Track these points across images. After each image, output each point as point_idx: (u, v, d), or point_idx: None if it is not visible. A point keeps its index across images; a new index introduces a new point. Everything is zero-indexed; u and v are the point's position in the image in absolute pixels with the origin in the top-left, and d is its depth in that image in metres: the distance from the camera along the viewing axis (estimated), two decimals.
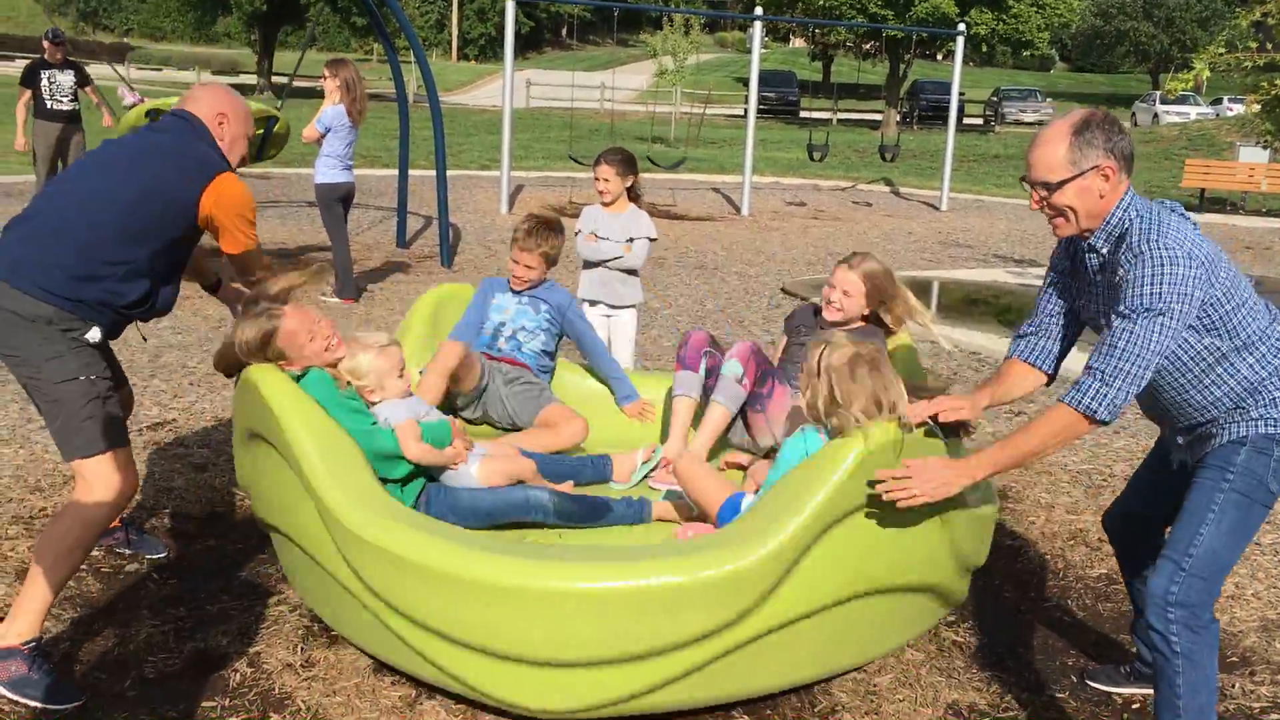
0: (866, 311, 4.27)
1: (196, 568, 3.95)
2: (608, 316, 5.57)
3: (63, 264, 3.14)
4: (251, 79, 43.53)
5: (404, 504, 3.31)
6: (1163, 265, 2.58)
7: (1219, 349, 2.73)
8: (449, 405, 4.37)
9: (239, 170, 3.54)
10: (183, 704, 3.10)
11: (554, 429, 4.39)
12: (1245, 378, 2.75)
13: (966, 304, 10.39)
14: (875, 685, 3.38)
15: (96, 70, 11.39)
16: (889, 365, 3.17)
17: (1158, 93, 40.80)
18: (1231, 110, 35.20)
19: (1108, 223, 2.77)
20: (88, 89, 10.66)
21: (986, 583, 4.15)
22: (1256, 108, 13.53)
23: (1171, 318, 2.60)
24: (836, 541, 2.93)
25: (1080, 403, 2.68)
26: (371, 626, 3.04)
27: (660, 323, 8.53)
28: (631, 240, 5.46)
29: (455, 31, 73.81)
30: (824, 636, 3.05)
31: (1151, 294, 2.59)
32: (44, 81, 10.27)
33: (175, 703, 3.10)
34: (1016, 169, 25.34)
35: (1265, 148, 17.16)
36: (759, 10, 17.27)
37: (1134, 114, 42.56)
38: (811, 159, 20.09)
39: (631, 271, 5.53)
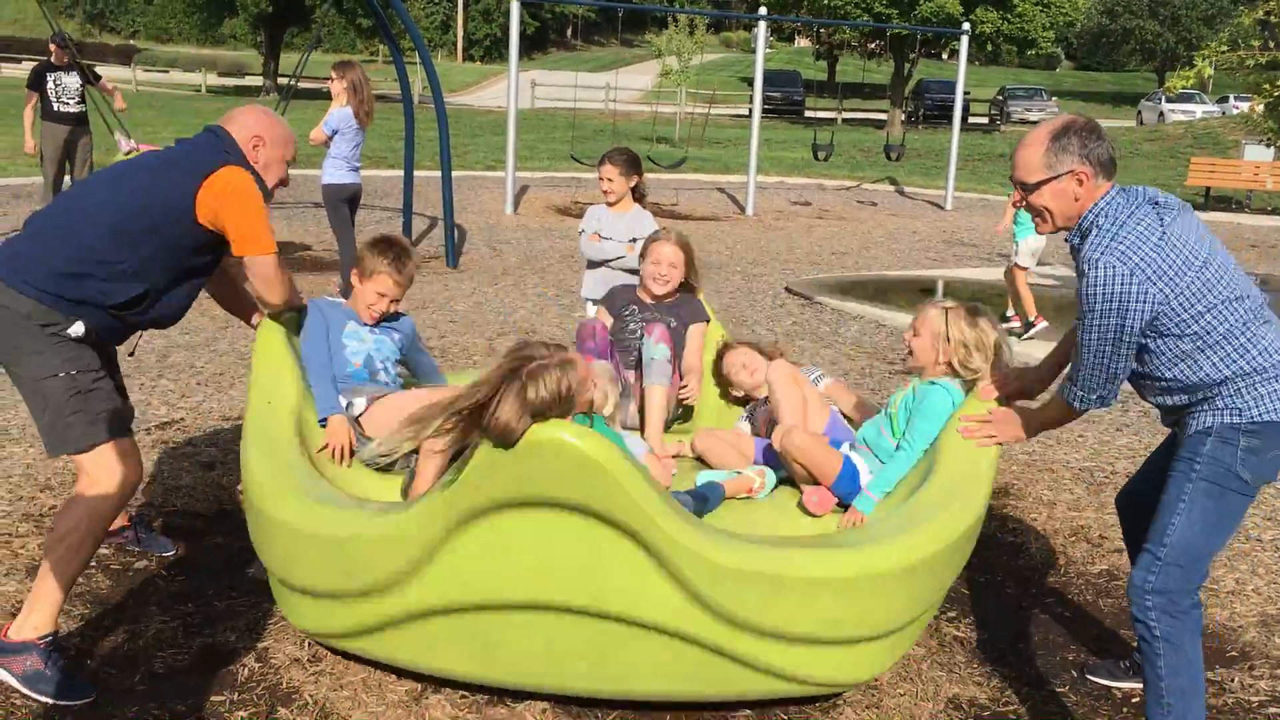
0: (684, 279, 4.63)
1: (205, 565, 3.99)
2: None
3: (51, 262, 3.18)
4: (258, 80, 43.68)
5: None
6: (1098, 278, 2.74)
7: (1179, 349, 2.82)
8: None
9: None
10: (192, 699, 3.14)
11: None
12: (1208, 374, 2.82)
13: (972, 303, 10.38)
14: (876, 680, 3.41)
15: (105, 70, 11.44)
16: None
17: (1163, 91, 40.71)
18: (1237, 108, 35.14)
19: (1080, 224, 2.93)
20: (98, 84, 10.73)
21: (988, 578, 4.18)
22: (1260, 107, 13.52)
23: (1109, 326, 2.77)
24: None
25: (1065, 394, 3.06)
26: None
27: None
28: (635, 240, 5.49)
29: (460, 32, 73.90)
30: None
31: (1089, 306, 2.77)
32: (50, 84, 10.33)
33: (184, 697, 3.14)
34: None
35: (1269, 146, 17.16)
36: (763, 10, 17.29)
37: (1139, 112, 42.53)
38: (816, 158, 20.13)
39: (634, 271, 5.56)
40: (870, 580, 2.88)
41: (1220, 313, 2.78)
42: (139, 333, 3.52)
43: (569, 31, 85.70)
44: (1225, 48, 12.41)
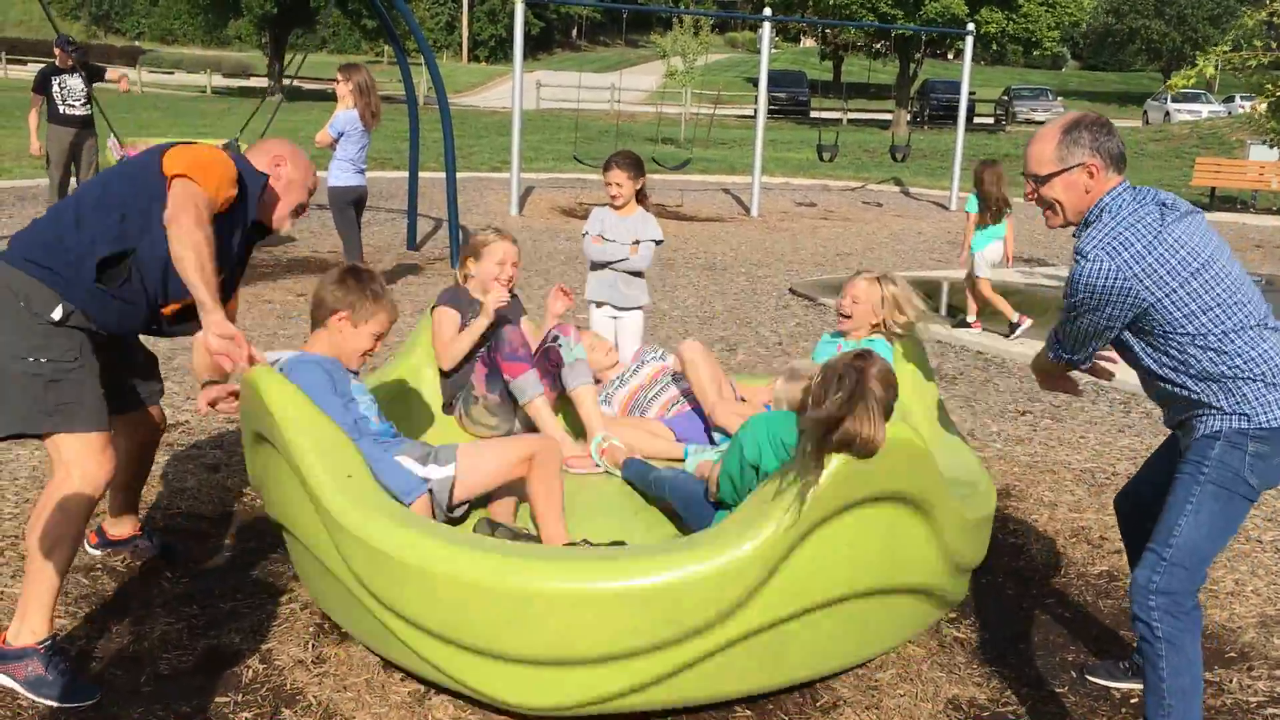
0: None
1: (209, 567, 4.02)
2: (614, 318, 5.63)
3: (42, 231, 3.23)
4: (263, 82, 43.76)
5: None
6: (1085, 270, 2.82)
7: (1174, 346, 2.85)
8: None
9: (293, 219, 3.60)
10: (196, 700, 3.16)
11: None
12: (1204, 369, 2.85)
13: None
14: (876, 680, 3.43)
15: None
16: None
17: (1172, 93, 40.66)
18: (1243, 109, 35.09)
19: (1086, 218, 2.97)
20: (106, 75, 10.78)
21: (988, 580, 4.20)
22: (1263, 108, 13.51)
23: (1087, 316, 2.88)
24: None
25: (1046, 343, 3.21)
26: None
27: (668, 325, 8.59)
28: (638, 242, 5.52)
29: (465, 33, 73.98)
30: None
31: (1072, 293, 2.87)
32: (55, 87, 10.38)
33: (189, 698, 3.16)
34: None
35: (1272, 146, 17.14)
36: (768, 11, 17.31)
37: (1145, 112, 42.49)
38: (821, 159, 20.13)
39: (637, 273, 5.59)
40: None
41: (1217, 315, 2.80)
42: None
43: (574, 32, 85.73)
44: (1229, 48, 12.39)
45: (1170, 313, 2.80)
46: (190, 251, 3.04)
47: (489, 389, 4.45)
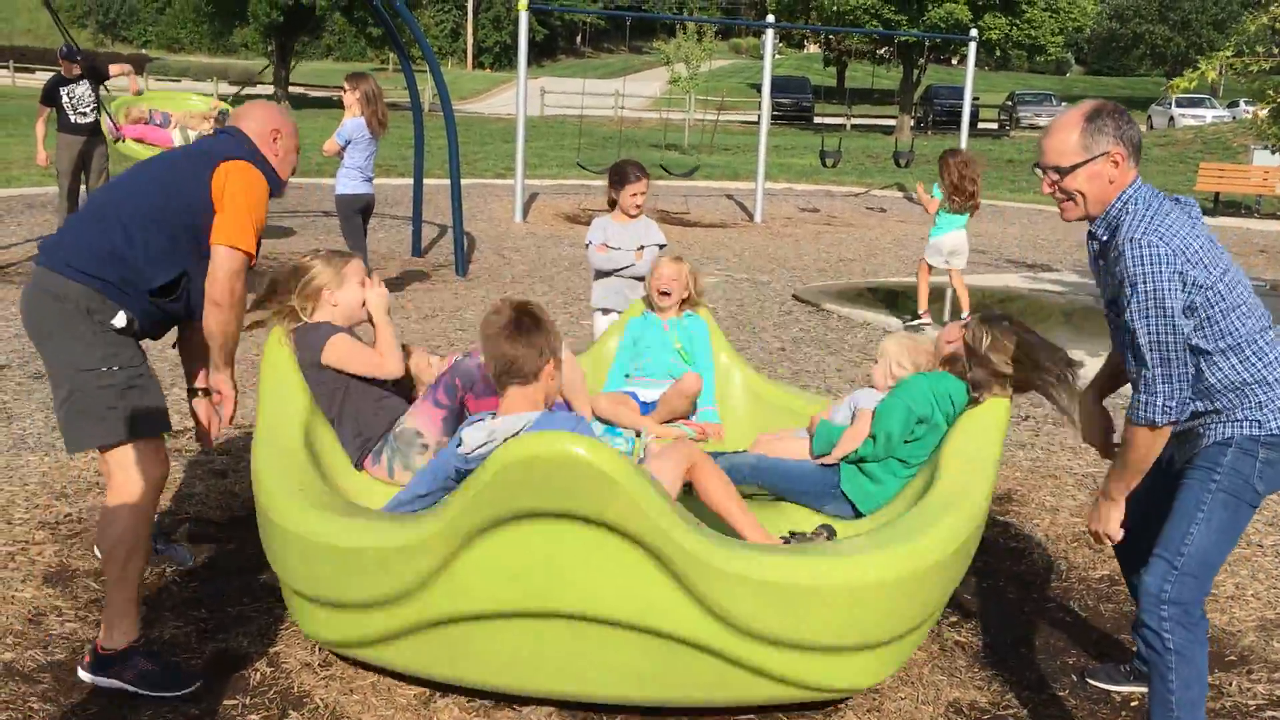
0: None
1: (217, 571, 4.06)
2: None
3: (92, 243, 3.28)
4: (269, 90, 43.86)
5: None
6: (1141, 255, 2.68)
7: (1201, 348, 2.80)
8: None
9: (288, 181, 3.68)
10: (205, 702, 3.20)
11: None
12: (1226, 377, 2.83)
13: (979, 309, 10.43)
14: (878, 684, 3.45)
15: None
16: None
17: (1173, 95, 40.68)
18: (1247, 113, 35.08)
19: (1108, 212, 2.89)
20: (110, 73, 10.86)
21: (990, 584, 4.23)
22: (1264, 114, 13.53)
23: (1168, 307, 2.68)
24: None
25: (1140, 417, 2.81)
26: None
27: None
28: (643, 248, 5.57)
29: (470, 40, 74.15)
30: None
31: (1146, 292, 2.68)
32: (65, 98, 10.44)
33: (197, 701, 3.20)
34: (1031, 174, 25.33)
35: (1274, 152, 17.16)
36: (771, 18, 17.35)
37: (1150, 117, 42.44)
38: (824, 165, 20.14)
39: (642, 279, 5.63)
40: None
41: (1240, 315, 2.80)
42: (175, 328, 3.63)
43: (578, 39, 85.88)
44: (1232, 52, 12.41)
45: (1209, 308, 2.74)
46: (221, 333, 3.44)
47: (444, 432, 3.90)
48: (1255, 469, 2.83)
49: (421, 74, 23.31)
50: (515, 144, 15.20)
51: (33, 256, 3.41)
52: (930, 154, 28.23)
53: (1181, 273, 2.68)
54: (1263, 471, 2.83)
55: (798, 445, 4.17)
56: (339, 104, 8.85)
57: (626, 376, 4.92)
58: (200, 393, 3.71)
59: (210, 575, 4.02)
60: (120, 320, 3.27)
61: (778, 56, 28.19)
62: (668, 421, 4.69)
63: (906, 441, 3.74)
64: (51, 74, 10.83)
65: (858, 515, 3.85)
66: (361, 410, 3.86)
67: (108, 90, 10.84)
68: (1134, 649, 3.55)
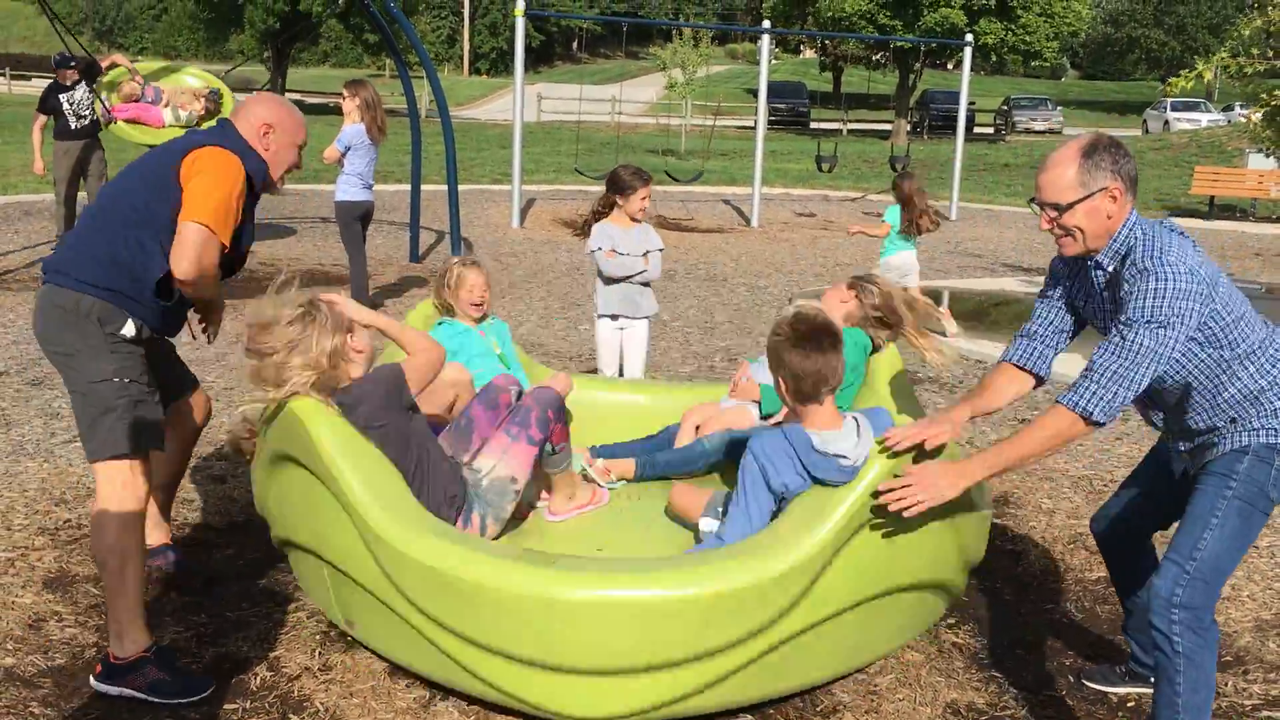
0: None
1: (217, 576, 4.06)
2: (622, 329, 5.68)
3: (93, 253, 3.32)
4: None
5: None
6: (1165, 281, 2.71)
7: (1222, 358, 2.84)
8: None
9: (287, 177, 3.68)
10: (205, 706, 3.21)
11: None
12: (1245, 386, 2.86)
13: (976, 314, 10.47)
14: (876, 685, 3.47)
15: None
16: None
17: (1171, 96, 40.77)
18: (1242, 117, 35.22)
19: (1114, 241, 2.90)
20: (104, 64, 10.87)
21: (987, 585, 4.25)
22: (1258, 116, 13.58)
23: (1170, 330, 2.73)
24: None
25: (1077, 404, 2.81)
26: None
27: (669, 334, 8.64)
28: (648, 253, 5.60)
29: (466, 46, 74.23)
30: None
31: (1153, 307, 2.72)
32: (65, 105, 10.47)
33: (198, 705, 3.21)
34: (1027, 177, 25.39)
35: (1268, 155, 17.21)
36: (767, 23, 17.41)
37: (1145, 121, 42.56)
38: (820, 170, 20.20)
39: (648, 284, 5.66)
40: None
41: (1248, 324, 2.84)
42: (194, 318, 3.70)
43: (575, 45, 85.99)
44: (1228, 53, 12.48)
45: (1221, 319, 2.78)
46: (200, 299, 3.51)
47: (532, 471, 3.80)
48: (1271, 476, 2.85)
49: (418, 80, 23.35)
50: (512, 150, 15.22)
51: (41, 274, 3.43)
52: (926, 158, 28.31)
53: (1198, 296, 2.73)
54: (1277, 479, 2.85)
55: (742, 414, 4.25)
56: (335, 110, 8.87)
57: None
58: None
59: (209, 581, 4.03)
60: (129, 329, 3.32)
61: (774, 62, 28.31)
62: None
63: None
64: (49, 82, 10.83)
65: None
66: (438, 467, 3.53)
67: (100, 79, 10.84)
68: (1129, 651, 3.56)
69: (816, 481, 3.13)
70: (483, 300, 4.77)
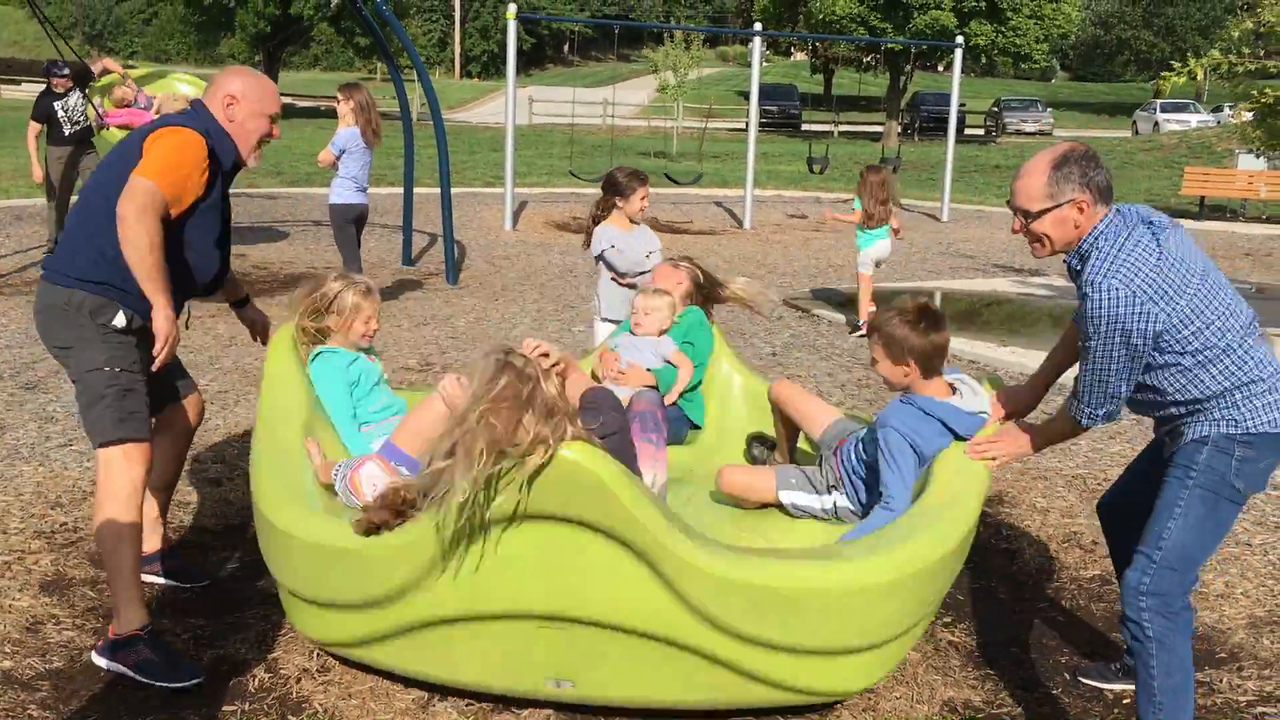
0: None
1: (214, 579, 4.07)
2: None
3: (82, 249, 3.40)
4: None
5: None
6: (1101, 300, 2.82)
7: (1180, 365, 2.89)
8: None
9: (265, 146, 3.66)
10: (204, 708, 3.21)
11: None
12: (1208, 387, 2.90)
13: (968, 314, 10.50)
14: (870, 686, 3.48)
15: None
16: None
17: (1158, 101, 40.95)
18: (1232, 118, 35.36)
19: (1079, 248, 2.99)
20: (95, 70, 10.86)
21: (982, 584, 4.26)
22: (1247, 116, 13.65)
23: (1112, 347, 2.85)
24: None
25: (1070, 410, 3.11)
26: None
27: None
28: (651, 255, 5.62)
29: (458, 49, 74.21)
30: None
31: (1093, 328, 2.85)
32: (60, 113, 10.48)
33: (197, 707, 3.21)
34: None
35: (1258, 156, 17.29)
36: (759, 25, 17.44)
37: (1135, 122, 42.67)
38: (811, 171, 20.21)
39: None
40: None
41: (1217, 328, 2.86)
42: (186, 307, 3.70)
43: (566, 47, 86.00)
44: (1218, 52, 12.55)
45: (1180, 331, 2.83)
46: (130, 256, 3.27)
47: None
48: (1231, 466, 2.90)
49: (410, 83, 23.33)
50: (504, 153, 15.23)
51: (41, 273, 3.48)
52: (917, 160, 28.39)
53: (1138, 315, 2.80)
54: (1239, 469, 2.90)
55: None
56: (326, 114, 8.88)
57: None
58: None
59: (206, 583, 4.03)
60: (120, 320, 3.40)
61: (764, 64, 28.40)
62: None
63: None
64: (42, 89, 10.83)
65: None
66: None
67: (93, 84, 10.84)
68: (1124, 647, 3.58)
69: (959, 439, 3.50)
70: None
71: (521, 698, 3.22)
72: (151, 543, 3.96)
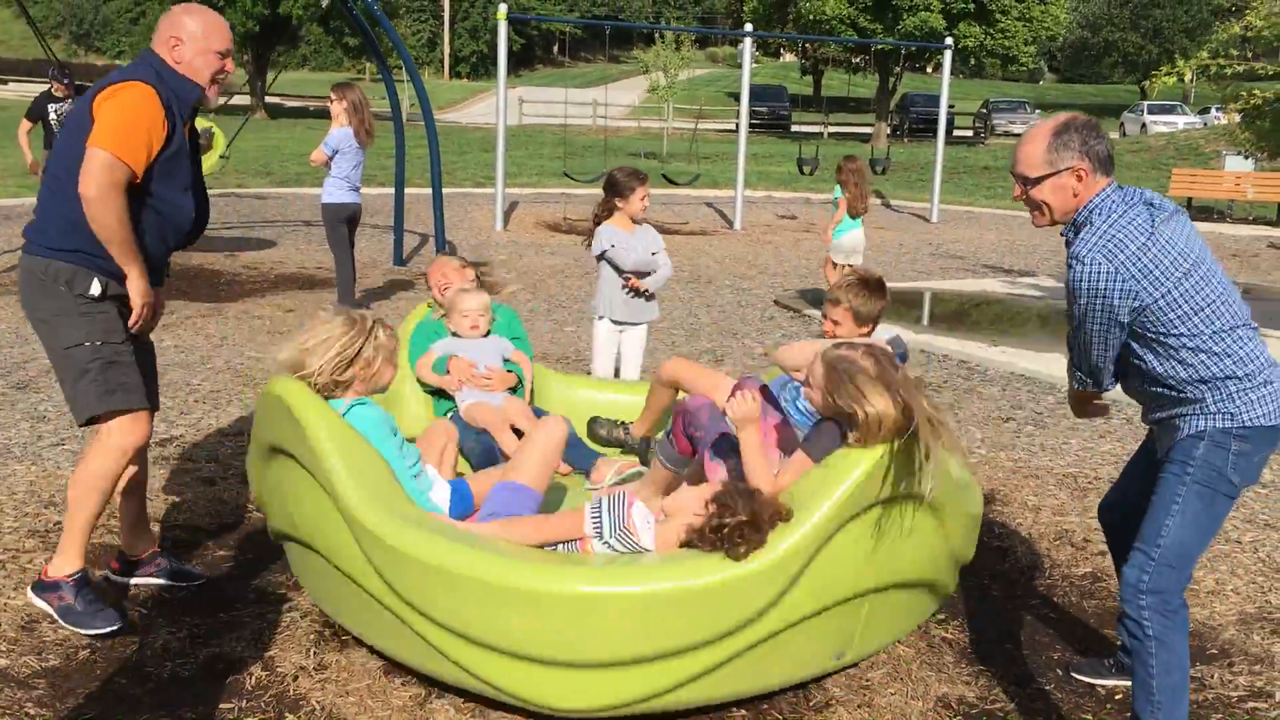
0: None
1: (209, 578, 4.06)
2: (622, 332, 5.69)
3: (52, 219, 3.44)
4: (245, 99, 43.71)
5: (438, 412, 4.57)
6: (1084, 273, 2.86)
7: (1168, 348, 2.90)
8: None
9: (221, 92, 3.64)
10: (201, 706, 3.21)
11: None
12: (1198, 373, 2.91)
13: (958, 314, 10.55)
14: (868, 680, 3.51)
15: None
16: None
17: (1146, 103, 41.12)
18: (1219, 119, 35.51)
19: (1075, 219, 3.01)
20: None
21: (975, 581, 4.29)
22: (1236, 117, 13.75)
23: (1093, 318, 2.90)
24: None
25: (1075, 379, 3.22)
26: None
27: (655, 336, 8.65)
28: (654, 254, 5.64)
29: (447, 50, 74.13)
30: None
31: (1076, 298, 2.90)
32: (53, 115, 10.50)
33: (194, 705, 3.22)
34: (1006, 180, 25.50)
35: (1246, 157, 17.39)
36: (749, 26, 17.47)
37: (1122, 124, 42.85)
38: (802, 172, 20.26)
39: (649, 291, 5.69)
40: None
41: (1208, 315, 2.87)
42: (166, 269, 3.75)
43: (556, 48, 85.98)
44: (1206, 54, 12.66)
45: (1165, 314, 2.85)
46: (102, 234, 3.34)
47: None
48: (1228, 460, 2.91)
49: (400, 84, 23.24)
50: (495, 153, 15.23)
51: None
52: (906, 161, 28.45)
53: (1119, 291, 2.82)
54: (1235, 463, 2.91)
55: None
56: (315, 114, 8.88)
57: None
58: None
59: (201, 582, 4.02)
60: (95, 288, 3.43)
61: (754, 65, 28.39)
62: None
63: None
64: (41, 91, 10.86)
65: None
66: None
67: None
68: (1117, 643, 3.61)
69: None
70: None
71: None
72: (144, 546, 3.98)
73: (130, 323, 3.53)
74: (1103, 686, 3.54)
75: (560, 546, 3.26)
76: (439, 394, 4.78)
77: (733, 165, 17.42)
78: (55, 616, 3.54)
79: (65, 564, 3.57)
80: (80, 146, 3.34)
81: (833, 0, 36.16)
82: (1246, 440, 2.90)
